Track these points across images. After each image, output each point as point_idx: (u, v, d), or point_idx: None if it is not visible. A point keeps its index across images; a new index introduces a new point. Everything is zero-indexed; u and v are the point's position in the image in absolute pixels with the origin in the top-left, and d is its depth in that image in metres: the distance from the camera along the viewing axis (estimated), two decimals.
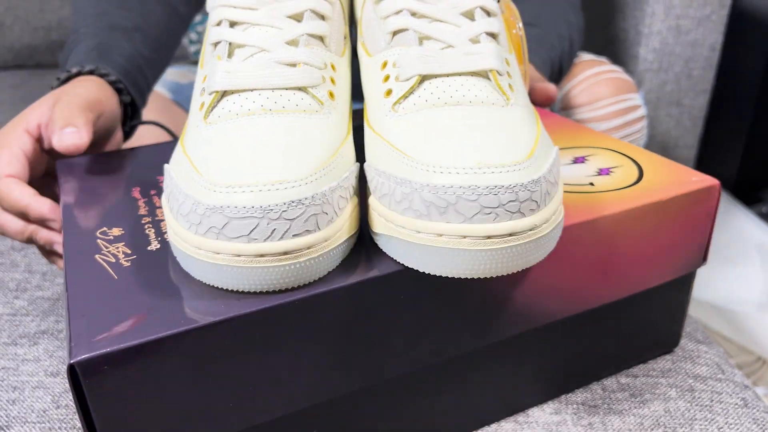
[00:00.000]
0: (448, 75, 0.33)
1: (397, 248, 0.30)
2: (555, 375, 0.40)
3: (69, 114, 0.44)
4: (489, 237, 0.27)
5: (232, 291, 0.30)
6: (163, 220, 0.36)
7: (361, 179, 0.33)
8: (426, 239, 0.28)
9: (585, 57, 0.76)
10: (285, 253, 0.28)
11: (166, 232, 0.35)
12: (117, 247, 0.34)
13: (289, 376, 0.31)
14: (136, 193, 0.40)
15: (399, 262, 0.30)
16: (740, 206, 1.33)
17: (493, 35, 0.34)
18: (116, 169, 0.44)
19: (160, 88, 0.83)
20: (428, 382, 0.36)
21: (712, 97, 1.42)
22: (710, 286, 1.11)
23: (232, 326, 0.28)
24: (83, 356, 0.26)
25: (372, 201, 0.31)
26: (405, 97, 0.33)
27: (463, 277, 0.28)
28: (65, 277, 0.32)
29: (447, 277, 0.29)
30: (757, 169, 1.43)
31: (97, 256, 0.33)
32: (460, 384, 0.37)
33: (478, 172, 0.27)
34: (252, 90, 0.33)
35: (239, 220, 0.27)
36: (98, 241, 0.34)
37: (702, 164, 1.55)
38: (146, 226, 0.36)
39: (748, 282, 1.12)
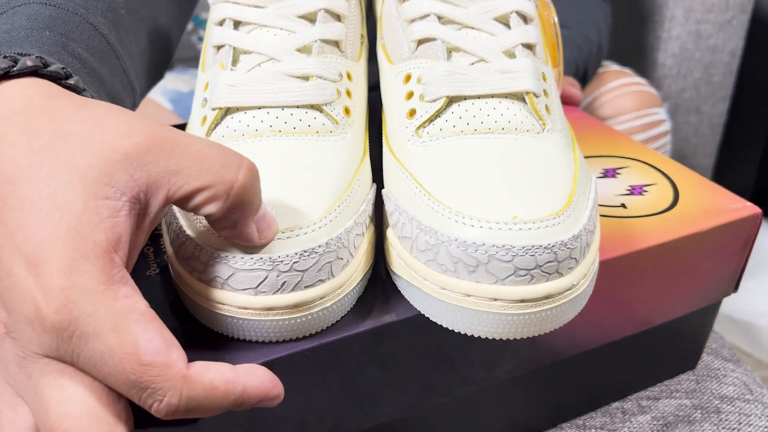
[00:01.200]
0: (479, 96, 0.29)
1: (418, 298, 0.27)
2: (572, 398, 0.38)
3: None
4: (522, 300, 0.25)
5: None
6: (161, 235, 0.34)
7: (377, 201, 0.31)
8: (452, 297, 0.25)
9: (610, 67, 0.73)
10: (296, 306, 0.25)
11: (165, 252, 0.32)
12: None
13: (295, 426, 0.29)
14: None
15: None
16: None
17: (530, 46, 0.31)
18: None
19: (159, 98, 0.72)
20: (442, 416, 0.34)
21: (731, 105, 1.41)
22: (727, 300, 1.07)
23: None
24: None
25: (391, 237, 0.29)
26: (431, 120, 0.29)
27: (491, 338, 0.26)
28: None
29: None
30: None
31: None
32: (478, 413, 0.35)
33: (513, 228, 0.24)
34: (259, 108, 0.29)
35: (246, 272, 0.25)
36: None
37: (718, 173, 1.53)
38: (146, 246, 0.33)
39: (765, 295, 1.09)
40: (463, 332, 0.26)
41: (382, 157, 0.32)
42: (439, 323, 0.27)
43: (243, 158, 0.23)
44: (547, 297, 0.25)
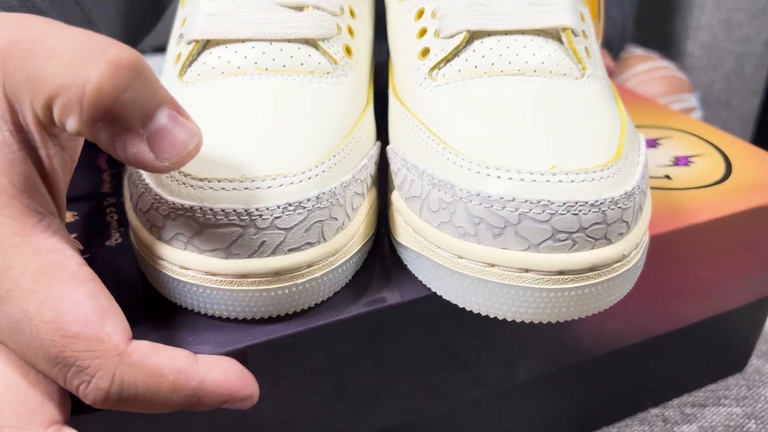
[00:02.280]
0: (506, 32, 0.24)
1: (428, 272, 0.22)
2: (603, 403, 0.33)
3: None
4: (561, 273, 0.19)
5: (204, 315, 0.22)
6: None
7: (381, 163, 0.26)
8: (470, 268, 0.20)
9: (635, 51, 0.68)
10: (277, 274, 0.20)
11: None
12: None
13: (279, 424, 0.24)
14: (101, 162, 0.32)
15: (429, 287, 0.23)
16: None
17: None
18: None
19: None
20: (451, 421, 0.29)
21: (764, 99, 1.35)
22: None
23: None
24: None
25: (396, 199, 0.24)
26: (447, 60, 0.24)
27: (519, 320, 0.21)
28: None
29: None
30: None
31: None
32: (493, 419, 0.30)
33: (551, 179, 0.19)
34: (243, 41, 0.25)
35: (215, 227, 0.20)
36: None
37: None
38: (108, 210, 0.28)
39: None
40: (483, 313, 0.21)
41: (388, 107, 0.27)
42: (453, 301, 0.22)
43: (108, 48, 0.17)
44: (591, 269, 0.20)
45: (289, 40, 0.25)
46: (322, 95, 0.24)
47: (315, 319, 0.22)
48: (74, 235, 0.26)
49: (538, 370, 0.28)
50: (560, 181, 0.19)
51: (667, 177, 0.31)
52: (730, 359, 0.36)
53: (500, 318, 0.21)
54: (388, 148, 0.25)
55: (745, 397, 0.35)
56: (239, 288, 0.20)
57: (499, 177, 0.19)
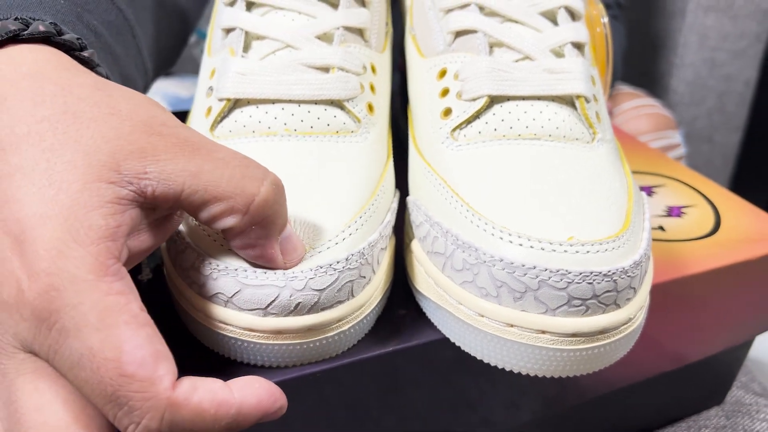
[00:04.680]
0: (524, 98, 0.26)
1: (449, 324, 0.24)
2: None
3: None
4: (575, 335, 0.21)
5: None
6: None
7: (399, 209, 0.27)
8: (491, 327, 0.22)
9: (622, 89, 0.71)
10: (309, 330, 0.22)
11: (160, 257, 0.29)
12: None
13: None
14: None
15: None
16: None
17: (579, 46, 0.28)
18: None
19: (157, 100, 0.69)
20: None
21: (745, 136, 1.36)
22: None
23: None
24: None
25: (418, 251, 0.25)
26: (468, 122, 0.26)
27: (533, 374, 0.22)
28: None
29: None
30: None
31: None
32: None
33: (569, 250, 0.21)
34: (273, 102, 0.26)
35: (254, 288, 0.21)
36: None
37: None
38: None
39: None
40: (501, 366, 0.23)
41: (408, 159, 0.28)
42: (472, 354, 0.23)
43: (268, 171, 0.21)
44: (602, 332, 0.21)
45: (316, 102, 0.26)
46: (347, 156, 0.25)
47: (338, 360, 0.24)
48: None
49: (540, 411, 0.30)
50: (577, 252, 0.21)
51: (661, 228, 0.33)
52: (711, 393, 0.39)
53: (516, 372, 0.22)
54: (409, 199, 0.26)
55: (724, 426, 0.37)
56: (274, 342, 0.22)
57: (521, 245, 0.21)
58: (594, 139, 0.26)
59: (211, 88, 0.27)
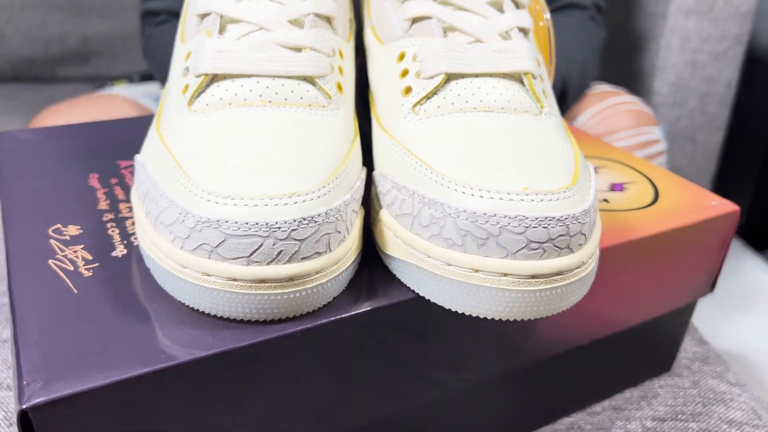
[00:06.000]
0: (477, 75, 0.28)
1: (417, 278, 0.26)
2: (556, 399, 0.37)
3: None
4: (534, 276, 0.23)
5: (219, 317, 0.25)
6: (128, 218, 0.31)
7: (366, 185, 0.29)
8: (458, 274, 0.24)
9: (603, 87, 0.73)
10: (290, 279, 0.24)
11: (133, 234, 0.30)
12: (75, 251, 0.28)
13: (286, 417, 0.26)
14: (93, 180, 0.34)
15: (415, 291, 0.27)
16: (751, 252, 1.26)
17: (524, 31, 0.31)
18: (69, 147, 0.38)
19: (141, 99, 0.72)
20: (430, 414, 0.32)
21: (726, 136, 1.33)
22: (721, 334, 1.05)
23: (221, 362, 0.24)
24: (39, 400, 0.21)
25: (385, 217, 0.27)
26: (428, 97, 0.28)
27: (497, 318, 0.24)
28: (9, 285, 0.26)
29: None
30: (767, 214, 1.33)
31: (50, 262, 0.27)
32: (453, 417, 0.34)
33: (525, 199, 0.23)
34: (249, 76, 0.28)
35: (239, 238, 0.23)
36: (51, 241, 0.29)
37: None
38: (108, 225, 0.30)
39: (760, 330, 1.06)
40: (468, 313, 0.25)
41: (372, 139, 0.30)
42: (440, 304, 0.25)
43: None
44: (558, 273, 0.24)
45: (289, 77, 0.28)
46: (320, 125, 0.27)
47: (318, 318, 0.25)
48: (81, 246, 0.28)
49: (507, 366, 0.32)
50: (532, 201, 0.23)
51: (605, 200, 0.36)
52: (660, 360, 0.41)
53: (481, 317, 0.24)
54: (376, 172, 0.28)
55: (700, 414, 0.40)
56: (257, 292, 0.23)
57: (482, 197, 0.23)
58: (542, 112, 0.29)
59: (187, 68, 0.29)
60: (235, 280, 0.23)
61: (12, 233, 0.29)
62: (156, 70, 0.68)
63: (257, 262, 0.23)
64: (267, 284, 0.23)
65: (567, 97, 0.65)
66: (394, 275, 0.27)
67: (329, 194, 0.24)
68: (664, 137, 0.70)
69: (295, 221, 0.23)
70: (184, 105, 0.28)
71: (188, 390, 0.23)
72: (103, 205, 0.32)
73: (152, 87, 0.77)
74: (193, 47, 0.29)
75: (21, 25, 1.09)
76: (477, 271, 0.24)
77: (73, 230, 0.30)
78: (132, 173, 0.35)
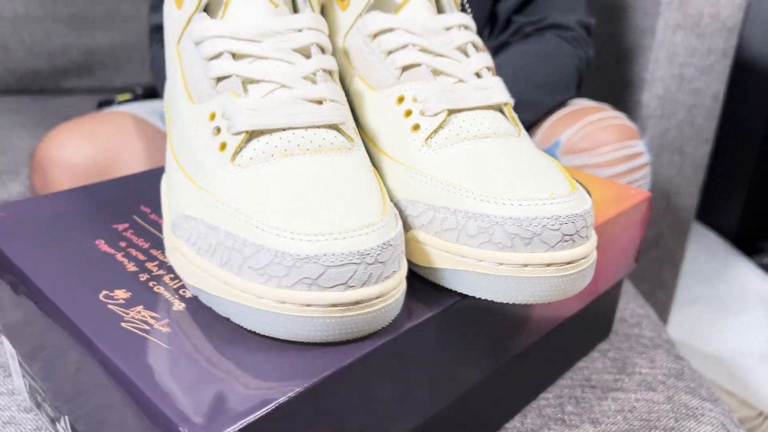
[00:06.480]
0: (470, 109, 0.34)
1: (468, 281, 0.30)
2: (530, 383, 0.43)
3: None
4: (569, 262, 0.29)
5: (305, 344, 0.28)
6: (163, 275, 0.32)
7: None
8: (509, 270, 0.29)
9: (586, 103, 0.75)
10: (378, 297, 0.27)
11: (180, 288, 0.31)
12: (138, 312, 0.29)
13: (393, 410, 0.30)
14: (104, 246, 0.35)
15: (461, 294, 0.31)
16: (741, 257, 1.31)
17: (490, 69, 0.37)
18: (61, 216, 0.38)
19: (146, 116, 0.73)
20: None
21: (714, 147, 1.37)
22: (711, 338, 1.07)
23: (336, 380, 0.26)
24: None
25: (422, 236, 0.31)
26: (435, 131, 0.33)
27: (538, 303, 0.30)
28: (90, 349, 0.27)
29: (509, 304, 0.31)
30: (759, 219, 1.38)
31: (123, 324, 0.28)
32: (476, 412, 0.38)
33: (554, 202, 0.29)
34: (284, 129, 0.31)
35: (337, 268, 0.26)
36: (110, 306, 0.29)
37: (703, 214, 1.48)
38: (151, 284, 0.31)
39: (749, 334, 1.08)
40: (517, 302, 0.30)
41: (386, 171, 0.35)
42: (493, 299, 0.30)
43: None
44: (583, 258, 0.30)
45: (318, 126, 0.31)
46: (353, 164, 0.31)
47: (394, 330, 0.29)
48: (141, 307, 0.29)
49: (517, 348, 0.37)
50: (559, 203, 0.29)
51: None
52: (602, 329, 0.49)
53: (530, 303, 0.30)
54: (403, 199, 0.33)
55: (672, 428, 0.42)
56: (352, 314, 0.27)
57: (521, 205, 0.29)
58: (519, 134, 0.35)
59: (216, 128, 0.31)
60: (334, 305, 0.26)
61: (64, 304, 0.29)
62: (161, 89, 0.72)
63: (353, 286, 0.26)
64: (360, 305, 0.27)
65: (520, 114, 0.68)
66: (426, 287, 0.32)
67: (393, 220, 0.28)
68: (648, 150, 0.71)
69: (378, 246, 0.27)
70: (227, 161, 0.30)
71: (317, 408, 0.26)
72: (131, 267, 0.33)
73: (158, 104, 0.80)
74: (217, 108, 0.31)
75: (25, 38, 1.11)
76: (526, 265, 0.29)
77: (122, 294, 0.30)
78: (135, 234, 0.36)
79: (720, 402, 0.45)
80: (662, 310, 1.02)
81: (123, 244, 0.35)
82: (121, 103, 0.86)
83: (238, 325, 0.29)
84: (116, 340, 0.27)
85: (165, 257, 0.34)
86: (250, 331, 0.28)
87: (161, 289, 0.31)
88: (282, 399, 0.24)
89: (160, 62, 0.74)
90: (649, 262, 0.96)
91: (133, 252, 0.34)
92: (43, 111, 1.04)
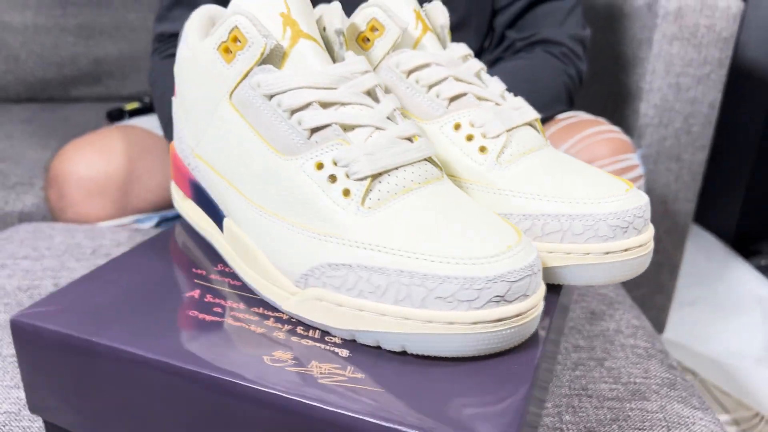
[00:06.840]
0: (517, 127, 0.39)
1: (575, 273, 0.35)
2: None
3: None
4: (641, 246, 0.36)
5: (477, 357, 0.30)
6: (294, 328, 0.32)
7: None
8: (615, 257, 0.35)
9: (583, 117, 0.77)
10: (517, 315, 0.30)
11: (325, 336, 0.32)
12: (319, 368, 0.29)
13: None
14: (208, 318, 0.33)
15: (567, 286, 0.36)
16: (739, 259, 1.32)
17: (510, 91, 0.42)
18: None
19: (161, 132, 0.76)
20: None
21: (711, 153, 1.39)
22: (709, 339, 1.09)
23: (533, 377, 0.30)
24: None
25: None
26: (501, 151, 0.37)
27: (618, 282, 0.36)
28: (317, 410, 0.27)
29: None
30: (756, 222, 1.40)
31: (323, 381, 0.28)
32: None
33: (631, 195, 0.35)
34: (398, 168, 0.33)
35: (519, 281, 0.29)
36: (289, 369, 0.29)
37: (701, 218, 1.50)
38: (295, 339, 0.31)
39: (746, 335, 1.09)
40: (611, 282, 0.35)
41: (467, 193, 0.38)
42: (602, 282, 0.35)
43: None
44: (649, 241, 0.36)
45: (419, 161, 0.34)
46: (454, 192, 0.34)
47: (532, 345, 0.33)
48: (314, 362, 0.30)
49: None
50: (634, 196, 0.35)
51: None
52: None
53: (620, 282, 0.35)
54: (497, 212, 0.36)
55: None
56: (526, 320, 0.30)
57: (614, 201, 0.35)
58: (547, 144, 0.41)
59: (331, 176, 0.32)
60: (519, 315, 0.29)
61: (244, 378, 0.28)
62: (156, 102, 0.72)
63: (528, 296, 0.30)
64: (531, 311, 0.30)
65: None
66: None
67: (526, 246, 0.32)
68: (641, 161, 0.75)
69: (535, 258, 0.30)
70: (357, 206, 0.31)
71: None
72: (256, 329, 0.32)
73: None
74: (323, 157, 0.32)
75: (35, 48, 1.16)
76: (627, 250, 0.35)
77: (283, 355, 0.30)
78: (223, 298, 0.35)
79: (710, 411, 0.47)
80: (660, 313, 1.06)
81: (218, 309, 0.34)
82: (130, 112, 0.88)
83: (417, 355, 0.30)
84: (336, 398, 0.27)
85: (275, 312, 0.34)
86: (427, 356, 0.30)
87: (310, 342, 0.31)
88: (520, 399, 0.27)
89: (157, 73, 0.73)
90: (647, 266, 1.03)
91: (240, 315, 0.34)
92: (53, 120, 1.06)
